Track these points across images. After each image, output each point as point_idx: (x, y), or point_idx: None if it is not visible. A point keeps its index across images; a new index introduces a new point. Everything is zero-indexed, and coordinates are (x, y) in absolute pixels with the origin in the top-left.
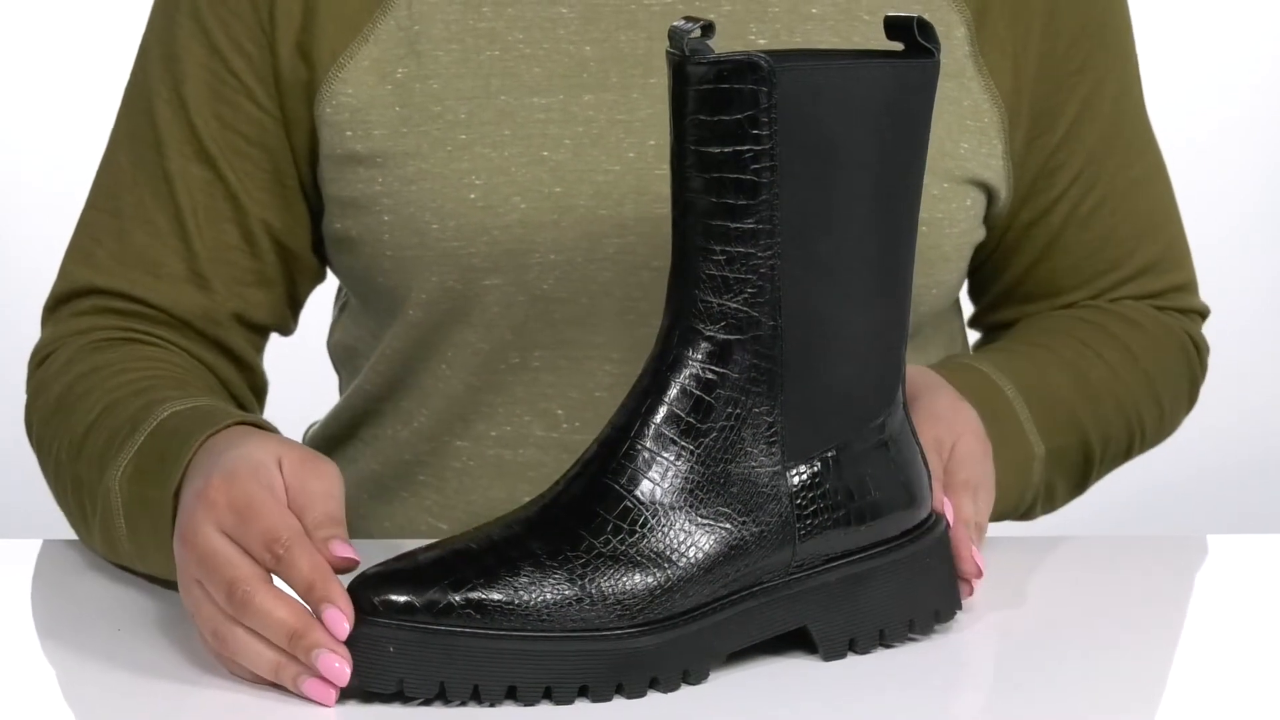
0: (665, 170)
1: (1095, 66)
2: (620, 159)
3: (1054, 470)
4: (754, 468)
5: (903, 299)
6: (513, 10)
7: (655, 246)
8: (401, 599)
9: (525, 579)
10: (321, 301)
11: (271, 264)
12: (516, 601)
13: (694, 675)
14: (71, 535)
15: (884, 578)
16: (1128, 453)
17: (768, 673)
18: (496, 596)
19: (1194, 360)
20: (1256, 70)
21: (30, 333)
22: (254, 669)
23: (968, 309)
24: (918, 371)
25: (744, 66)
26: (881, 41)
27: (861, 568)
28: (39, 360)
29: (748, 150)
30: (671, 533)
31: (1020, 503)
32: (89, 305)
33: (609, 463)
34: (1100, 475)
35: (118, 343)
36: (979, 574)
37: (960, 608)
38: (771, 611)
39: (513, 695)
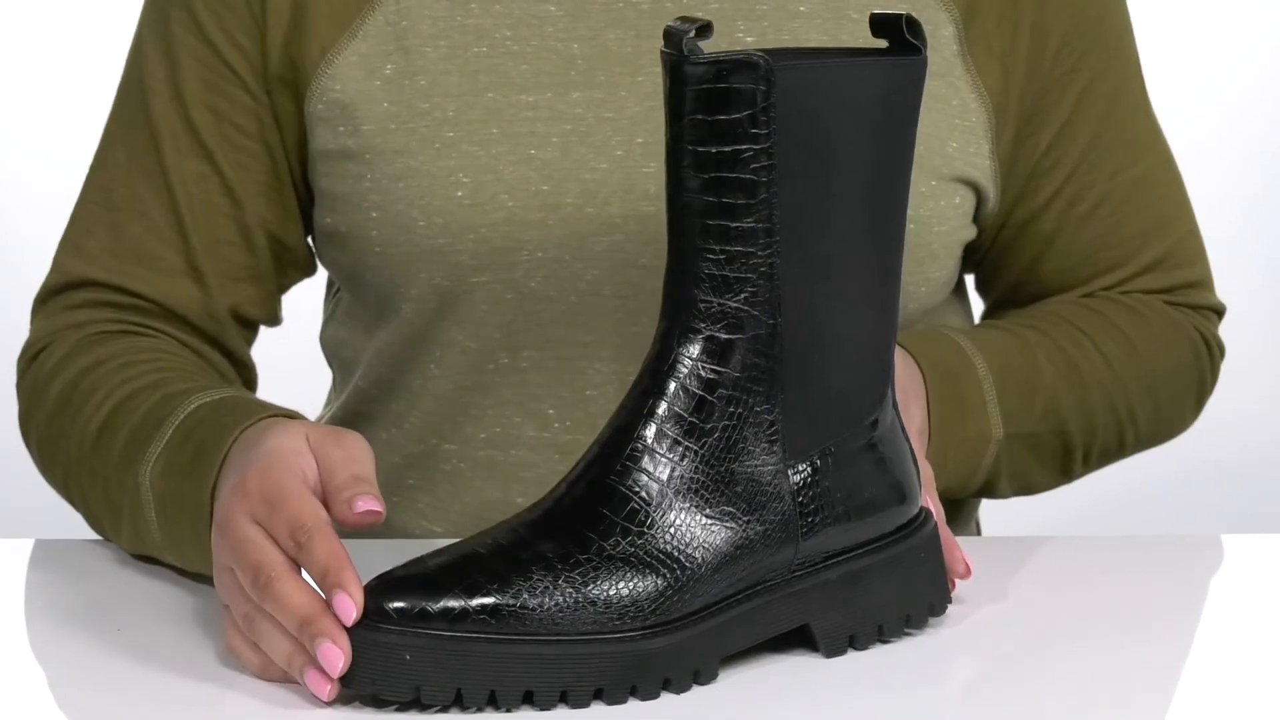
0: (653, 168)
1: (1089, 66)
2: (608, 157)
3: (1028, 456)
4: (757, 466)
5: (893, 299)
6: (500, 7)
7: (643, 244)
8: (416, 606)
9: (537, 583)
10: (315, 295)
11: (264, 259)
12: (530, 606)
13: (704, 675)
14: (70, 535)
15: (880, 574)
16: (1120, 448)
17: (773, 670)
18: (510, 602)
19: (1203, 358)
20: (1249, 70)
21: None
22: (273, 657)
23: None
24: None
25: (742, 65)
26: (869, 39)
27: (859, 564)
28: (31, 356)
29: (746, 149)
30: (679, 533)
31: (969, 483)
32: (82, 298)
33: (612, 464)
34: (1090, 467)
35: (116, 335)
36: (969, 572)
37: (950, 600)
38: (775, 610)
39: (529, 700)
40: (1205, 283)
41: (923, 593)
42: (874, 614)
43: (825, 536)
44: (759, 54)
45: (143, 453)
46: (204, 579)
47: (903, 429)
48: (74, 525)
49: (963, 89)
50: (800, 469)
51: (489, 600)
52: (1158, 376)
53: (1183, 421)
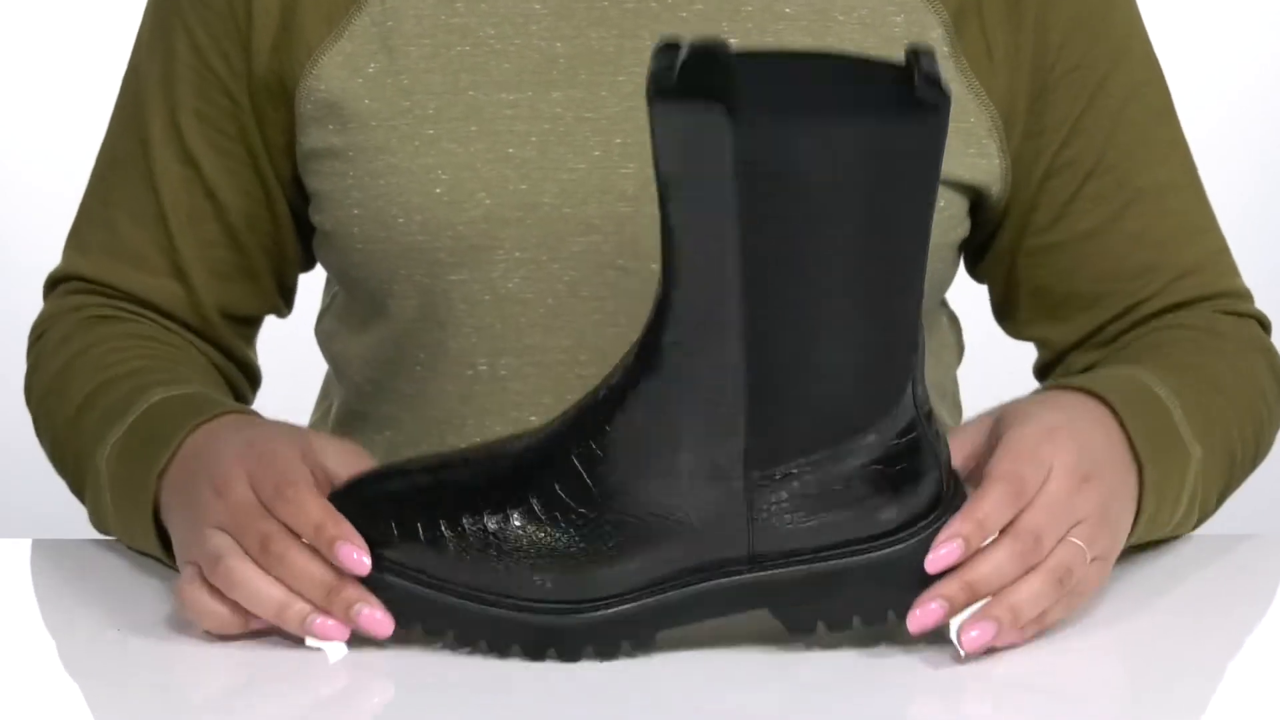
0: (631, 169)
1: (1095, 64)
2: (586, 157)
3: (1207, 477)
4: (711, 460)
5: (899, 317)
6: (485, 6)
7: (621, 244)
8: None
9: (472, 540)
10: (313, 291)
11: (257, 257)
12: (451, 565)
13: (636, 647)
14: (69, 535)
15: (855, 571)
16: (1248, 467)
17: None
18: (433, 558)
19: (1277, 367)
20: (1249, 70)
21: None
22: (258, 609)
23: (980, 326)
24: (1015, 406)
25: (705, 116)
26: (854, 42)
27: (830, 565)
28: (37, 334)
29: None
30: (614, 515)
31: (1174, 513)
32: (79, 287)
33: (573, 435)
34: (1231, 491)
35: (109, 320)
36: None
37: (899, 617)
38: (727, 593)
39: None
40: (1245, 293)
41: (906, 598)
42: (849, 609)
43: (781, 537)
44: (721, 102)
45: (104, 437)
46: (160, 561)
47: (937, 456)
48: (73, 526)
49: (956, 91)
50: (761, 472)
51: (417, 546)
52: (1262, 391)
53: (1275, 433)
